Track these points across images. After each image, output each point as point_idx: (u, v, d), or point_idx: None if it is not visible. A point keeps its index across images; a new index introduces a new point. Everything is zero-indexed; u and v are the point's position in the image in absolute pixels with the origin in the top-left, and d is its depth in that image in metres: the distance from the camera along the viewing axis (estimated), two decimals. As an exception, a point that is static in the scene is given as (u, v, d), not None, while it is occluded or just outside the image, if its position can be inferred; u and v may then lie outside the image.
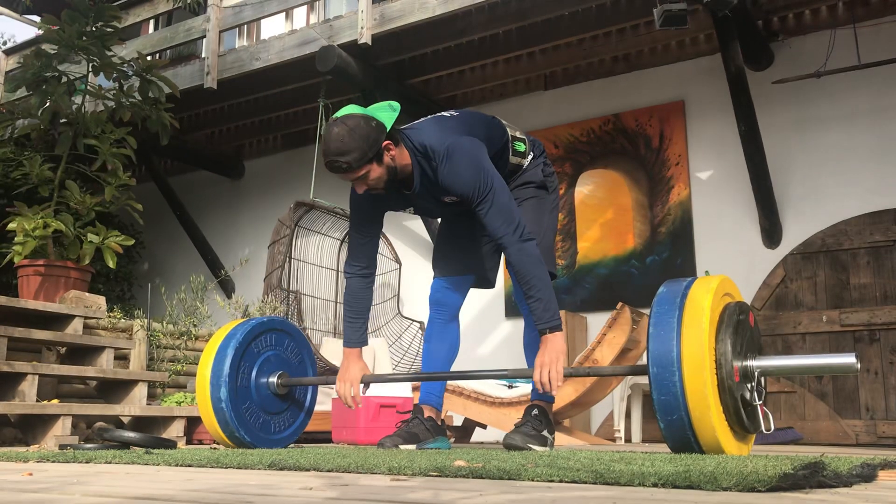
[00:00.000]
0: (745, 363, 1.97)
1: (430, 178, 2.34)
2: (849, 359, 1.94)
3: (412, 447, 2.44)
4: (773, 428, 2.01)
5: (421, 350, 5.05)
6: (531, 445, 2.32)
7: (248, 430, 2.54)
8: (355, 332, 2.53)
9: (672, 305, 1.94)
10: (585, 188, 5.49)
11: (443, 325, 2.61)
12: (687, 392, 1.86)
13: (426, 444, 2.49)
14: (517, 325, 5.46)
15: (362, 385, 2.51)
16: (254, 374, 2.60)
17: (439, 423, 2.60)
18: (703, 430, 1.87)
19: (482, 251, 2.65)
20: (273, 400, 2.65)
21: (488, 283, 2.68)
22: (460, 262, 2.63)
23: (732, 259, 4.89)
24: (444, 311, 2.62)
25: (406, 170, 2.33)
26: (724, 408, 1.90)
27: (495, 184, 2.27)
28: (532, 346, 2.47)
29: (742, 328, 1.99)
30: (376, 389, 3.72)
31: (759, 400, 2.00)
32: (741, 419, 1.94)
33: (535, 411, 2.45)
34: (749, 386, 1.97)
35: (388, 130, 2.23)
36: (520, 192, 2.51)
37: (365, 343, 2.56)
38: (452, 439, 4.25)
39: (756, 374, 2.00)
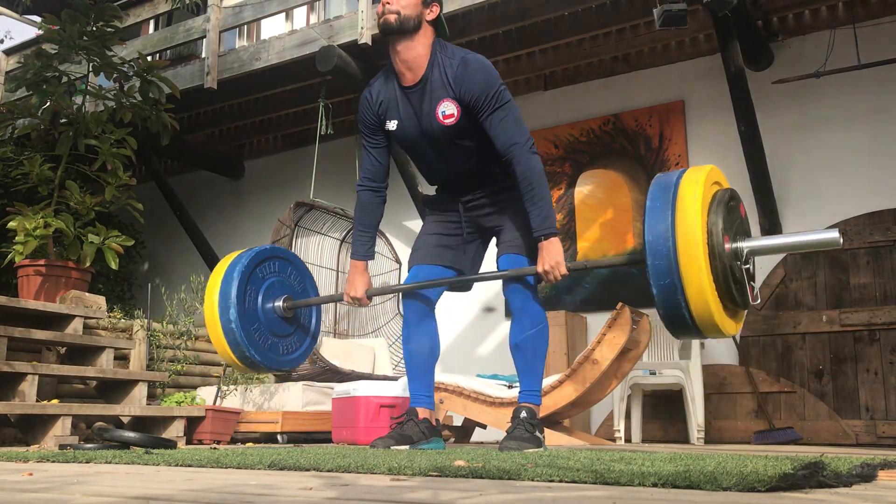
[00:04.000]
0: (735, 244, 2.03)
1: (440, 79, 2.40)
2: (832, 234, 2.01)
3: (405, 448, 2.43)
4: (759, 299, 2.08)
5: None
6: (527, 450, 2.32)
7: (257, 349, 2.60)
8: (363, 245, 2.61)
9: (666, 187, 2.01)
10: (585, 188, 5.49)
11: (417, 325, 2.56)
12: (679, 256, 1.91)
13: (420, 445, 2.48)
14: (517, 325, 5.46)
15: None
16: (260, 298, 2.66)
17: (434, 423, 2.59)
18: (693, 295, 1.91)
19: (466, 253, 2.62)
20: (280, 323, 2.70)
21: (466, 285, 2.64)
22: (442, 256, 2.59)
23: (732, 259, 4.89)
24: (417, 308, 2.56)
25: (421, 54, 2.43)
26: (714, 276, 1.94)
27: (510, 97, 2.40)
28: (519, 349, 2.47)
29: (732, 212, 2.06)
30: (376, 390, 3.72)
31: (749, 280, 2.06)
32: (731, 292, 1.99)
33: (524, 413, 2.43)
34: (739, 264, 2.03)
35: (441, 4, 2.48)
36: (515, 201, 2.49)
37: (371, 257, 2.64)
38: (452, 439, 4.24)
39: (745, 253, 2.05)
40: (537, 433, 2.41)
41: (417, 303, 2.56)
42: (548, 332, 2.50)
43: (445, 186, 2.66)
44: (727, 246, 1.98)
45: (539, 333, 2.44)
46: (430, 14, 2.47)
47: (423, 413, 2.56)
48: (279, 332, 2.71)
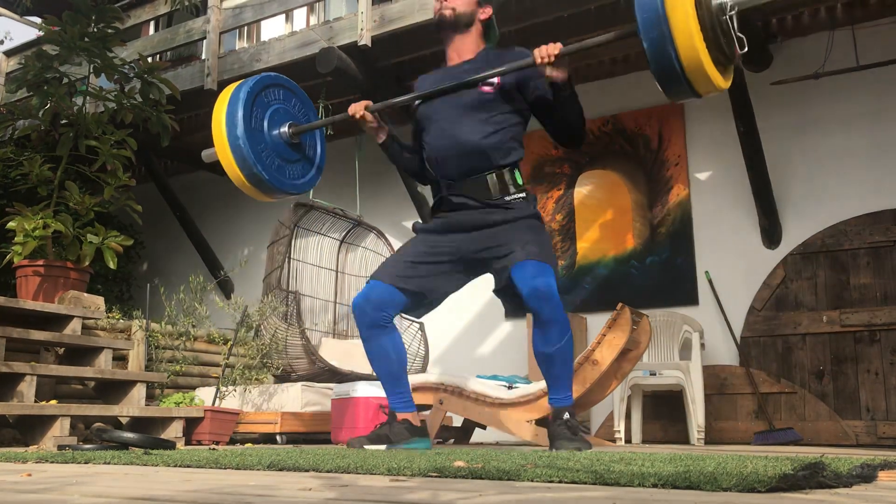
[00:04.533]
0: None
1: (485, 59, 2.57)
2: None
3: (381, 448, 2.45)
4: (746, 48, 2.13)
5: (420, 350, 5.04)
6: (585, 450, 2.31)
7: (265, 167, 2.65)
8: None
9: None
10: (585, 189, 5.49)
11: (370, 340, 2.55)
12: (667, 7, 1.97)
13: (400, 444, 2.49)
14: (517, 326, 5.46)
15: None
16: (266, 121, 2.72)
17: (417, 424, 2.60)
18: (681, 42, 1.98)
19: (439, 281, 2.59)
20: (286, 148, 2.76)
21: (427, 309, 2.67)
22: (406, 280, 2.55)
23: (732, 259, 4.89)
24: (368, 322, 2.54)
25: (472, 48, 2.63)
26: (701, 26, 2.00)
27: None
28: (552, 359, 2.46)
29: None
30: (375, 390, 3.71)
31: (734, 32, 2.11)
32: (719, 43, 2.07)
33: (566, 415, 2.46)
34: (725, 18, 2.10)
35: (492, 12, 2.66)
36: (514, 223, 2.50)
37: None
38: (452, 440, 4.24)
39: (728, 5, 2.10)
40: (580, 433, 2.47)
41: (368, 315, 2.54)
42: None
43: (443, 166, 2.58)
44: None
45: (569, 342, 2.47)
46: (483, 14, 2.66)
47: (401, 416, 2.59)
48: (286, 157, 2.77)
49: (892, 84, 4.63)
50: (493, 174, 2.51)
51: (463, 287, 2.70)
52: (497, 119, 2.52)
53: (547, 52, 2.35)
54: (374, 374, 2.65)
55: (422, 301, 2.61)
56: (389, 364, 2.58)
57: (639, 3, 2.02)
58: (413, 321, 5.33)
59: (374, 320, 2.54)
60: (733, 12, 2.11)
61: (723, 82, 2.15)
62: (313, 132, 2.91)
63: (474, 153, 2.51)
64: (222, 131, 2.63)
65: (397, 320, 5.59)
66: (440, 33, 2.66)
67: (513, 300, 2.52)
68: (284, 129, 2.75)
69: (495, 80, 2.51)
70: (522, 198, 2.54)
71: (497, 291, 2.57)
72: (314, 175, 2.91)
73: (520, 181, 2.55)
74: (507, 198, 2.52)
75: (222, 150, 2.64)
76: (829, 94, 4.78)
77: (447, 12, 2.62)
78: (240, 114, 2.61)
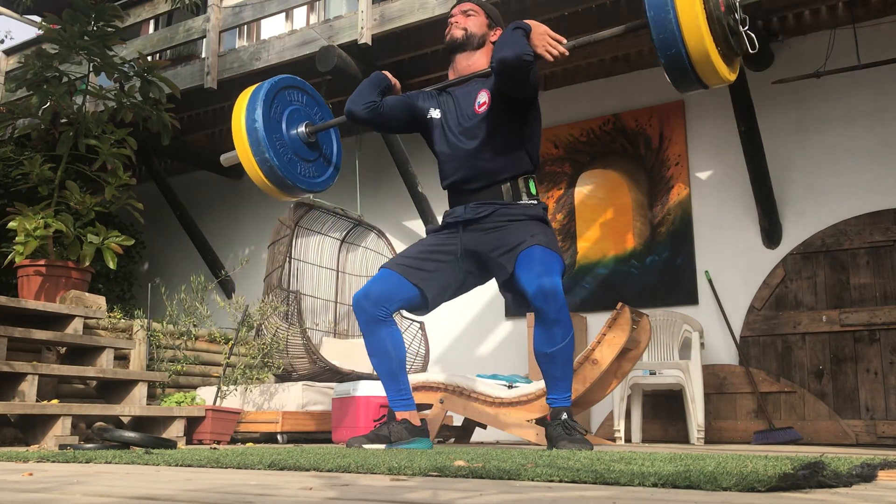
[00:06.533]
0: None
1: (483, 78, 2.59)
2: None
3: (380, 447, 2.45)
4: (757, 47, 2.21)
5: (420, 350, 5.04)
6: (585, 450, 2.31)
7: (277, 155, 2.70)
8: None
9: None
10: (585, 188, 5.49)
11: (371, 335, 2.57)
12: (681, 21, 2.04)
13: (400, 444, 2.49)
14: (517, 326, 5.46)
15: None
16: (285, 116, 2.79)
17: (417, 423, 2.60)
18: (690, 35, 2.03)
19: (447, 279, 2.61)
20: (302, 147, 2.82)
21: (426, 308, 2.67)
22: (415, 274, 2.58)
23: (732, 259, 4.89)
24: (367, 317, 2.56)
25: (478, 68, 2.62)
26: (708, 19, 2.06)
27: None
28: (554, 359, 2.47)
29: None
30: (376, 389, 3.72)
31: (743, 27, 2.19)
32: (727, 37, 2.12)
33: (565, 415, 2.46)
34: (733, 17, 2.16)
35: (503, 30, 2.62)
36: (521, 221, 2.52)
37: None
38: (452, 440, 4.24)
39: (737, 2, 2.18)
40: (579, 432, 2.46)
41: (366, 311, 2.56)
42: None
43: (457, 185, 2.64)
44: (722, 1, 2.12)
45: (570, 342, 2.47)
46: (494, 36, 2.65)
47: (400, 415, 2.58)
48: (301, 155, 2.83)
49: (894, 83, 4.63)
50: (508, 183, 2.56)
51: (471, 289, 2.71)
52: (501, 134, 2.53)
53: (546, 41, 2.37)
54: (380, 376, 2.65)
55: (426, 295, 2.61)
56: (388, 361, 2.58)
57: (654, 24, 2.07)
58: (414, 320, 5.33)
59: (372, 315, 2.55)
60: (745, 25, 2.18)
61: (730, 74, 2.20)
62: (329, 133, 2.97)
63: (487, 175, 2.56)
64: (241, 115, 2.70)
65: (397, 319, 5.60)
66: (450, 54, 2.67)
67: (517, 297, 2.53)
68: (301, 128, 2.83)
69: (486, 98, 2.54)
70: (534, 205, 2.57)
71: (502, 287, 2.58)
72: (332, 173, 2.98)
73: (534, 191, 2.58)
74: (520, 203, 2.55)
75: (238, 132, 2.70)
76: (830, 93, 4.78)
77: (458, 32, 2.64)
78: (261, 99, 2.70)
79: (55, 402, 3.35)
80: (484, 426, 3.98)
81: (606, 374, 3.44)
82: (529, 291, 2.40)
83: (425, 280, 2.58)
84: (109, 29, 4.70)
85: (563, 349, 2.44)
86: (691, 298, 4.92)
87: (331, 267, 5.51)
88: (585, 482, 1.27)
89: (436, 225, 2.74)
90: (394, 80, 2.77)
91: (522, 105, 2.55)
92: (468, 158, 2.57)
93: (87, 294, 4.26)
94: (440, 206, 4.42)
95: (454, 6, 2.74)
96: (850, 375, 4.42)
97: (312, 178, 2.87)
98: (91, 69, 4.86)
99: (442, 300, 2.68)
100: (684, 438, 4.54)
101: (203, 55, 5.81)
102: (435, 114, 2.66)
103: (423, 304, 2.64)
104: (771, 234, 4.79)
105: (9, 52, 6.82)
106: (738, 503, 1.00)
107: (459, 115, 2.60)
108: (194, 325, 4.51)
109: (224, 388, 4.12)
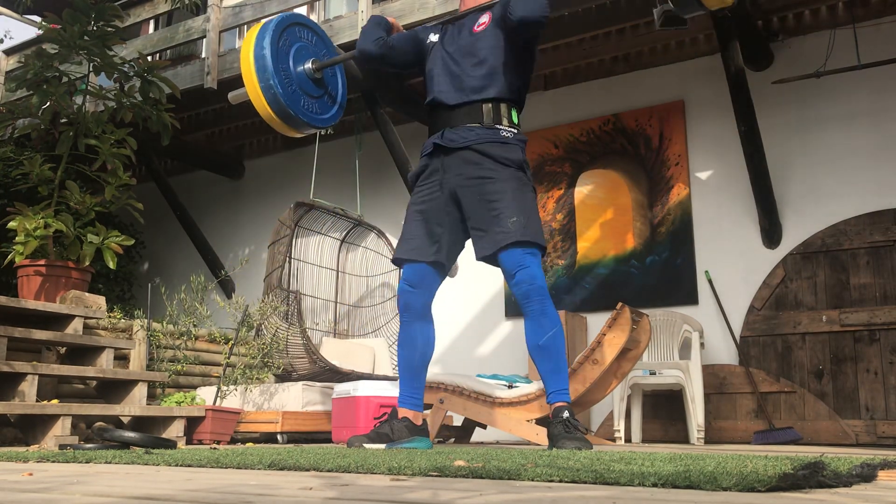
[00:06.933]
0: None
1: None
2: None
3: (381, 446, 2.44)
4: None
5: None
6: (585, 450, 2.30)
7: (282, 84, 2.70)
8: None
9: None
10: (585, 188, 5.49)
11: (408, 328, 2.63)
12: None
13: (400, 443, 2.49)
14: (517, 325, 5.46)
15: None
16: (292, 52, 2.79)
17: (418, 423, 2.60)
18: None
19: (447, 239, 2.65)
20: (307, 82, 2.84)
21: (444, 272, 2.71)
22: (427, 250, 2.62)
23: (732, 259, 4.89)
24: (409, 314, 2.63)
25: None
26: None
27: None
28: (544, 350, 2.48)
29: None
30: (376, 389, 3.72)
31: None
32: None
33: (566, 413, 2.46)
34: None
35: None
36: (501, 172, 2.54)
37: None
38: (452, 440, 4.24)
39: None
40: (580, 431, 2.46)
41: (410, 310, 2.62)
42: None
43: (439, 100, 2.67)
44: None
45: (559, 332, 2.51)
46: None
47: (404, 412, 2.60)
48: (306, 90, 2.83)
49: (894, 83, 4.63)
50: (490, 103, 2.59)
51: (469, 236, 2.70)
52: (492, 54, 2.61)
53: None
54: (398, 363, 2.70)
55: (447, 264, 2.67)
56: (412, 354, 2.63)
57: None
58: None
59: (418, 310, 2.63)
60: None
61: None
62: (335, 74, 3.01)
63: (468, 90, 2.61)
64: (251, 41, 2.70)
65: (397, 319, 5.60)
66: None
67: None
68: (308, 64, 2.85)
69: (487, 18, 2.64)
70: (514, 141, 2.58)
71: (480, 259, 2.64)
72: (336, 112, 3.00)
73: (515, 120, 2.64)
74: (500, 127, 2.57)
75: (246, 57, 2.70)
76: (830, 92, 4.78)
77: None
78: (272, 29, 2.70)
79: (55, 402, 3.35)
80: (484, 426, 3.98)
81: (606, 374, 3.44)
82: (514, 292, 2.53)
83: (439, 252, 2.63)
84: (109, 29, 4.70)
85: (553, 337, 2.48)
86: (691, 298, 4.92)
87: (331, 267, 5.51)
88: (585, 482, 1.27)
89: (414, 169, 2.77)
90: (393, 20, 2.87)
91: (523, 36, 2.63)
92: (455, 74, 2.64)
93: (87, 294, 4.26)
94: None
95: None
96: (850, 375, 4.42)
97: (316, 114, 2.88)
98: (91, 69, 4.86)
99: (456, 257, 2.73)
100: (684, 438, 4.54)
101: (203, 55, 5.81)
102: (434, 38, 2.78)
103: (445, 272, 2.71)
104: (771, 234, 4.79)
105: (9, 52, 6.82)
106: (738, 503, 1.00)
107: (457, 36, 2.70)
108: (194, 325, 4.51)
109: (224, 388, 4.12)
